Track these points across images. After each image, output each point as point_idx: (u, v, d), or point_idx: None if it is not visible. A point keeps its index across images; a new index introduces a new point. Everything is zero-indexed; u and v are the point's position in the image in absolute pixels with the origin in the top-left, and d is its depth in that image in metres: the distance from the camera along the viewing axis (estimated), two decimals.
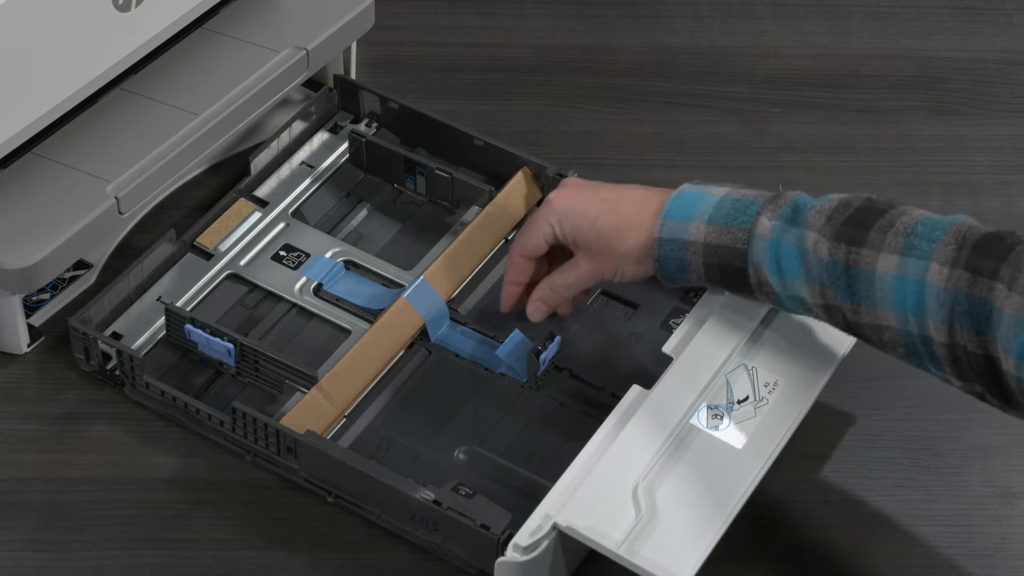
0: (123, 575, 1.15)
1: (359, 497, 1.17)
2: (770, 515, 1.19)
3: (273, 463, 1.20)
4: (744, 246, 1.14)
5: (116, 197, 1.26)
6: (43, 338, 1.29)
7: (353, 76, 1.49)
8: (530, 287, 1.25)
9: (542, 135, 1.48)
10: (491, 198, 1.35)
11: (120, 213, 1.26)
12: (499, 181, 1.37)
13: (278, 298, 1.31)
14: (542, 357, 1.23)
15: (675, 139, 1.49)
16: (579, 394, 1.25)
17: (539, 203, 1.37)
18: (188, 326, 1.24)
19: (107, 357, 1.25)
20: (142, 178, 1.27)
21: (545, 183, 1.37)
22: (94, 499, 1.19)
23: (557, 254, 1.24)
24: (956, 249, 1.06)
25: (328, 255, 1.33)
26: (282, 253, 1.34)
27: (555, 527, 1.09)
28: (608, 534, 1.08)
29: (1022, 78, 1.56)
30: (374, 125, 1.44)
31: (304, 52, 1.37)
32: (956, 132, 1.50)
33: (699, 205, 1.16)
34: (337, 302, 1.31)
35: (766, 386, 1.18)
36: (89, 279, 1.33)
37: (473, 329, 1.28)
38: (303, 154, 1.41)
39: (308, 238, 1.35)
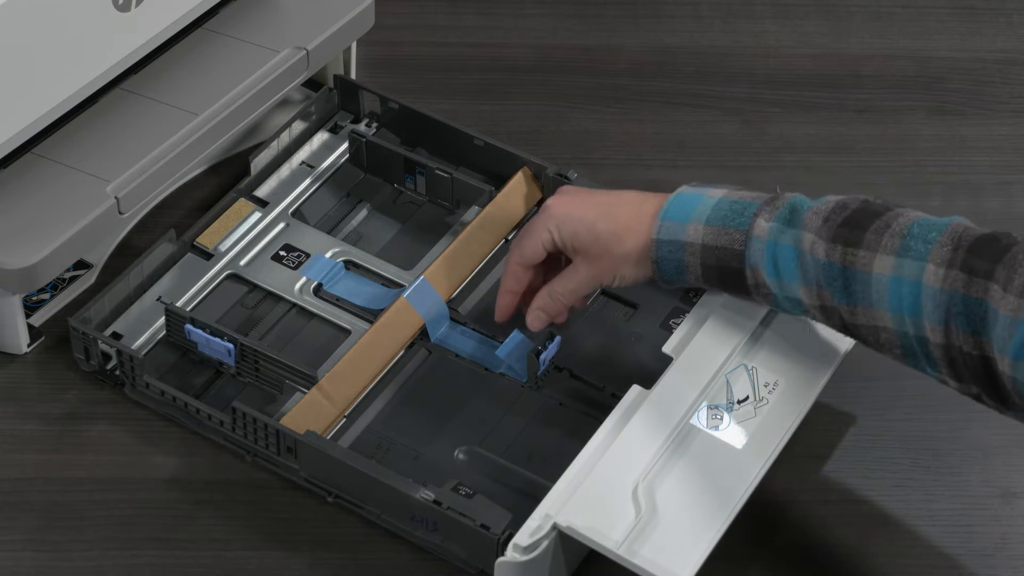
0: (123, 575, 1.15)
1: (359, 497, 1.17)
2: (770, 515, 1.19)
3: (273, 463, 1.20)
4: (741, 247, 1.14)
5: (116, 197, 1.26)
6: (43, 338, 1.29)
7: (353, 76, 1.49)
8: (525, 296, 1.25)
9: (542, 135, 1.48)
10: (491, 198, 1.35)
11: (120, 213, 1.26)
12: (499, 181, 1.37)
13: (278, 298, 1.31)
14: (542, 357, 1.23)
15: (675, 139, 1.49)
16: (579, 394, 1.25)
17: (539, 203, 1.37)
18: (188, 326, 1.24)
19: (107, 357, 1.25)
20: (142, 178, 1.27)
21: (545, 183, 1.37)
22: (94, 499, 1.19)
23: (551, 264, 1.24)
24: (952, 250, 1.06)
25: (328, 255, 1.33)
26: (282, 253, 1.34)
27: (555, 527, 1.09)
28: (608, 534, 1.08)
29: (1022, 78, 1.56)
30: (374, 125, 1.44)
31: (304, 52, 1.37)
32: (956, 132, 1.51)
33: (697, 207, 1.16)
34: (337, 302, 1.31)
35: (766, 386, 1.18)
36: (89, 279, 1.33)
37: (473, 329, 1.29)
38: (303, 154, 1.41)
39: (308, 238, 1.35)
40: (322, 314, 1.30)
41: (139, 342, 1.27)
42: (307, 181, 1.40)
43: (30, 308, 1.30)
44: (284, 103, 1.46)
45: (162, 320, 1.27)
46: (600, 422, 1.16)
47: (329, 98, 1.44)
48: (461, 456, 1.21)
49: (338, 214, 1.38)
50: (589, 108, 1.51)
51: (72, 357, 1.27)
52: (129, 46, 1.29)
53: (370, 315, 1.29)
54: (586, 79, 1.54)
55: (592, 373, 1.26)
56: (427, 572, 1.16)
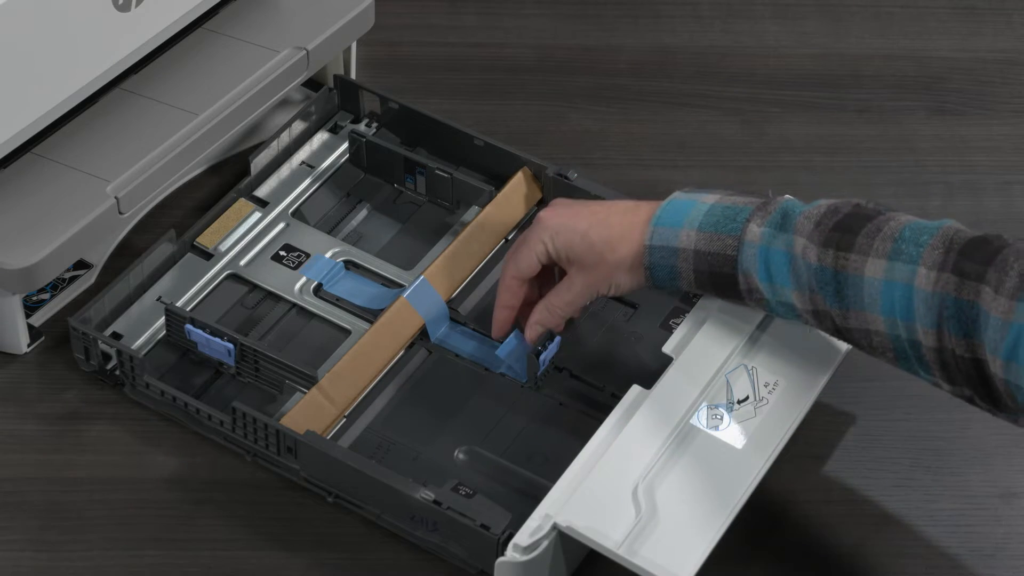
0: (123, 575, 1.15)
1: (359, 497, 1.17)
2: (770, 515, 1.19)
3: (273, 463, 1.20)
4: (734, 253, 1.14)
5: (116, 197, 1.26)
6: (43, 338, 1.29)
7: (353, 76, 1.49)
8: (521, 309, 1.25)
9: (542, 135, 1.48)
10: (491, 198, 1.35)
11: (120, 213, 1.26)
12: (499, 181, 1.37)
13: (278, 298, 1.31)
14: (542, 357, 1.23)
15: (675, 139, 1.49)
16: (579, 394, 1.25)
17: (539, 203, 1.37)
18: (188, 326, 1.24)
19: (107, 357, 1.25)
20: (142, 178, 1.27)
21: (545, 183, 1.37)
22: (94, 499, 1.19)
23: (545, 277, 1.24)
24: (943, 253, 1.06)
25: (328, 255, 1.33)
26: (282, 253, 1.34)
27: (555, 527, 1.09)
28: (608, 534, 1.08)
29: (1022, 78, 1.56)
30: (374, 125, 1.44)
31: (304, 52, 1.37)
32: (956, 132, 1.51)
33: (689, 213, 1.16)
34: (337, 302, 1.31)
35: (766, 386, 1.18)
36: (89, 279, 1.33)
37: (473, 329, 1.29)
38: (303, 154, 1.41)
39: (308, 238, 1.35)
40: (322, 314, 1.30)
41: (139, 342, 1.27)
42: (307, 181, 1.40)
43: (30, 308, 1.30)
44: (284, 103, 1.46)
45: (162, 320, 1.27)
46: (600, 422, 1.16)
47: (329, 98, 1.44)
48: (461, 456, 1.21)
49: (338, 214, 1.38)
50: (589, 108, 1.51)
51: (72, 357, 1.26)
52: (129, 46, 1.29)
53: (370, 315, 1.29)
54: (586, 79, 1.54)
55: (592, 373, 1.26)
56: (427, 572, 1.16)
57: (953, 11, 1.63)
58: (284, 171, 1.39)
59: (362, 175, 1.41)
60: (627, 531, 1.09)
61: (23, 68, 1.20)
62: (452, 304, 1.30)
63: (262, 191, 1.38)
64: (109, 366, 1.26)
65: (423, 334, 1.28)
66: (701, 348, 1.19)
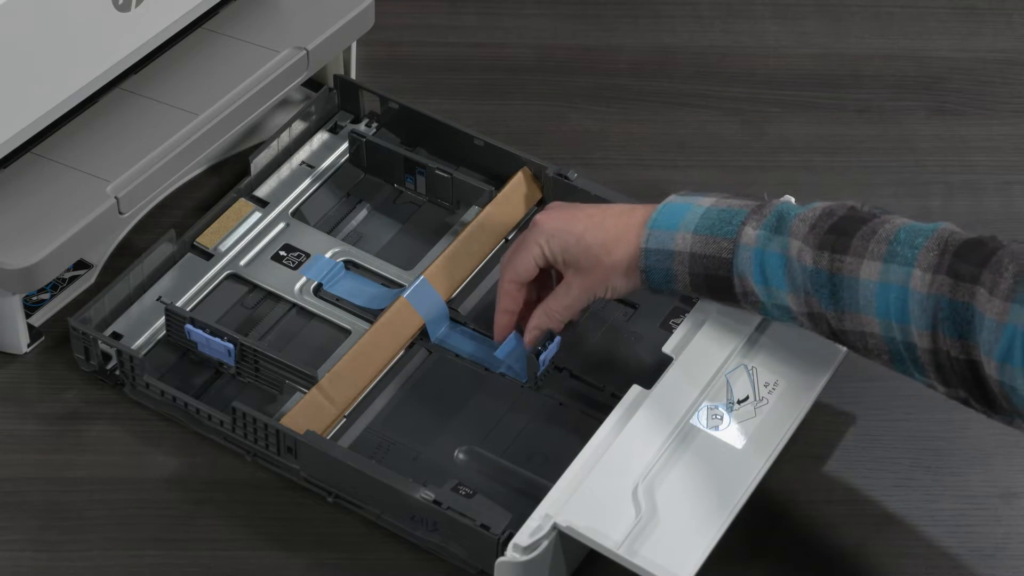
0: (123, 575, 1.15)
1: (359, 497, 1.17)
2: (770, 515, 1.19)
3: (273, 463, 1.20)
4: (729, 256, 1.14)
5: (116, 197, 1.26)
6: (43, 338, 1.29)
7: (353, 76, 1.49)
8: (521, 313, 1.25)
9: (542, 135, 1.48)
10: (491, 198, 1.35)
11: (120, 213, 1.26)
12: (499, 181, 1.37)
13: (278, 298, 1.31)
14: (542, 357, 1.23)
15: (675, 139, 1.49)
16: (579, 394, 1.25)
17: (539, 203, 1.37)
18: (188, 326, 1.24)
19: (107, 357, 1.25)
20: (142, 178, 1.27)
21: (545, 183, 1.37)
22: (94, 499, 1.19)
23: (543, 281, 1.24)
24: (938, 255, 1.07)
25: (328, 255, 1.33)
26: (282, 253, 1.34)
27: (555, 527, 1.09)
28: (608, 534, 1.08)
29: (1022, 78, 1.56)
30: (374, 125, 1.44)
31: (304, 52, 1.37)
32: (956, 132, 1.51)
33: (685, 216, 1.16)
34: (337, 302, 1.31)
35: (766, 386, 1.18)
36: (89, 279, 1.33)
37: (473, 329, 1.29)
38: (303, 154, 1.41)
39: (308, 238, 1.35)
40: (322, 314, 1.30)
41: (139, 342, 1.27)
42: (307, 181, 1.40)
43: (30, 308, 1.30)
44: (284, 103, 1.46)
45: (162, 320, 1.27)
46: (600, 422, 1.16)
47: (329, 98, 1.44)
48: (461, 456, 1.21)
49: (338, 214, 1.38)
50: (589, 108, 1.51)
51: (72, 357, 1.26)
52: (129, 46, 1.29)
53: (370, 315, 1.29)
54: (586, 79, 1.54)
55: (592, 373, 1.26)
56: (427, 572, 1.16)
57: (953, 11, 1.63)
58: (284, 171, 1.39)
59: (362, 175, 1.41)
60: (627, 531, 1.09)
61: (23, 68, 1.20)
62: (452, 304, 1.30)
63: (262, 191, 1.38)
64: (109, 366, 1.26)
65: (423, 334, 1.28)
66: (701, 348, 1.19)
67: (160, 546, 1.17)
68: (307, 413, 1.20)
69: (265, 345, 1.25)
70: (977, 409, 1.09)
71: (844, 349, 1.20)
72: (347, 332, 1.28)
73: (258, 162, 1.38)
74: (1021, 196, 1.45)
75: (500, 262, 1.24)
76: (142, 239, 1.36)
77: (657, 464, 1.13)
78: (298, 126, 1.41)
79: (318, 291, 1.31)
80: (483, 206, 1.35)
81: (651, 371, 1.20)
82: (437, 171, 1.37)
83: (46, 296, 1.31)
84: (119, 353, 1.23)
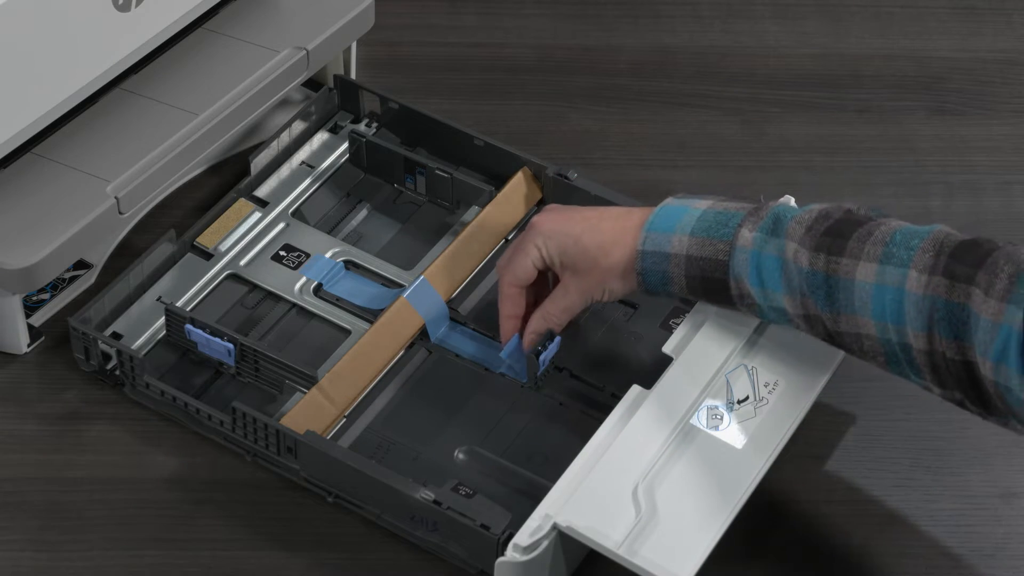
0: (123, 575, 1.15)
1: (359, 497, 1.17)
2: (770, 515, 1.19)
3: (273, 463, 1.20)
4: (726, 258, 1.14)
5: (116, 197, 1.26)
6: (43, 338, 1.29)
7: (353, 76, 1.49)
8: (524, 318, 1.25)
9: (542, 135, 1.48)
10: (491, 198, 1.35)
11: (120, 213, 1.26)
12: (499, 181, 1.37)
13: (278, 298, 1.31)
14: (542, 357, 1.23)
15: (675, 139, 1.49)
16: (579, 394, 1.25)
17: (539, 203, 1.37)
18: (188, 326, 1.24)
19: (107, 357, 1.25)
20: (142, 178, 1.27)
21: (545, 183, 1.37)
22: (94, 499, 1.19)
23: (540, 285, 1.24)
24: (934, 256, 1.07)
25: (328, 255, 1.33)
26: (282, 253, 1.34)
27: (555, 527, 1.09)
28: (608, 534, 1.08)
29: (1022, 78, 1.56)
30: (374, 125, 1.44)
31: (304, 52, 1.37)
32: (956, 132, 1.51)
33: (681, 218, 1.16)
34: (337, 302, 1.31)
35: (766, 386, 1.18)
36: (89, 279, 1.33)
37: (473, 329, 1.29)
38: (303, 154, 1.41)
39: (308, 238, 1.35)
40: (322, 314, 1.30)
41: (139, 342, 1.27)
42: (307, 181, 1.40)
43: (30, 308, 1.30)
44: (284, 103, 1.46)
45: (162, 320, 1.27)
46: (600, 422, 1.16)
47: (329, 98, 1.44)
48: (461, 456, 1.21)
49: (338, 214, 1.38)
50: (589, 108, 1.51)
51: (72, 357, 1.26)
52: (129, 46, 1.29)
53: (370, 315, 1.29)
54: (586, 79, 1.54)
55: (592, 373, 1.26)
56: (427, 572, 1.16)
57: (953, 11, 1.63)
58: (284, 171, 1.39)
59: (362, 175, 1.41)
60: (627, 531, 1.09)
61: (23, 68, 1.20)
62: (452, 304, 1.30)
63: (262, 191, 1.38)
64: (109, 366, 1.26)
65: (423, 334, 1.28)
66: (701, 348, 1.19)
67: (160, 546, 1.17)
68: (307, 413, 1.20)
69: (265, 345, 1.25)
70: (972, 411, 1.10)
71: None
72: (347, 332, 1.28)
73: (258, 162, 1.38)
74: (1021, 196, 1.45)
75: (496, 266, 1.24)
76: (142, 239, 1.36)
77: (657, 464, 1.13)
78: (298, 126, 1.41)
79: (318, 291, 1.31)
80: (483, 206, 1.35)
81: (651, 371, 1.20)
82: (437, 171, 1.37)
83: (46, 296, 1.31)
84: (119, 353, 1.23)
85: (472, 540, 1.13)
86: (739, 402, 1.17)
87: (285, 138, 1.40)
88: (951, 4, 1.63)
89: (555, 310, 1.22)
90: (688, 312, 1.22)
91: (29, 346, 1.28)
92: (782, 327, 1.20)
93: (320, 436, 1.18)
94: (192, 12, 1.34)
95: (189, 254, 1.32)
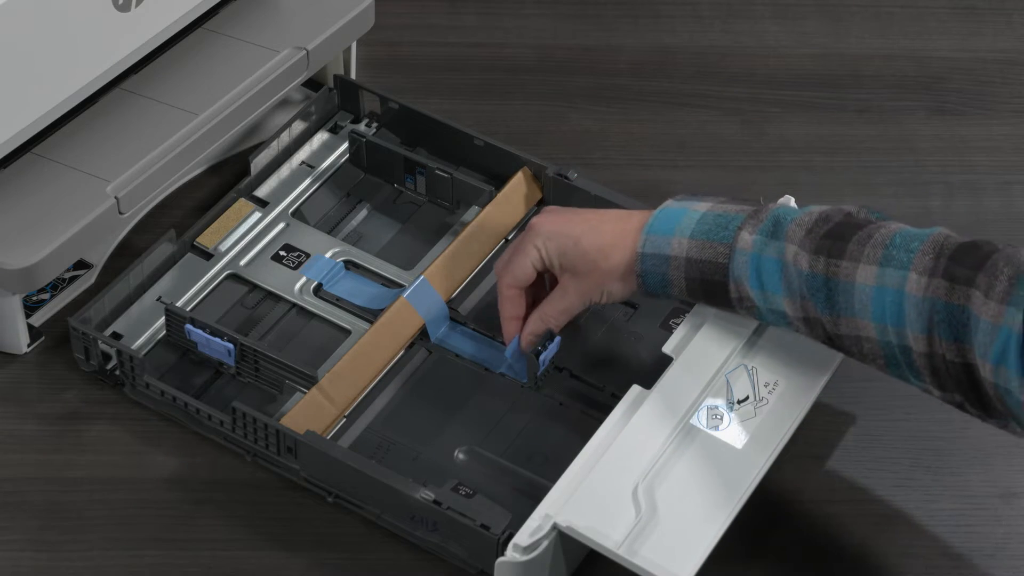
0: (123, 575, 1.15)
1: (359, 497, 1.17)
2: (770, 515, 1.19)
3: (273, 463, 1.20)
4: (725, 261, 1.14)
5: (116, 197, 1.26)
6: (43, 338, 1.29)
7: (353, 76, 1.49)
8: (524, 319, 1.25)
9: (542, 135, 1.48)
10: (491, 198, 1.35)
11: (120, 213, 1.26)
12: (499, 181, 1.37)
13: (278, 298, 1.31)
14: (542, 357, 1.23)
15: (675, 139, 1.49)
16: (579, 394, 1.25)
17: (539, 203, 1.37)
18: (188, 326, 1.24)
19: (107, 357, 1.25)
20: (142, 178, 1.27)
21: (545, 183, 1.37)
22: (94, 499, 1.19)
23: (537, 287, 1.24)
24: (934, 259, 1.07)
25: (328, 255, 1.33)
26: (282, 253, 1.34)
27: (555, 527, 1.09)
28: (608, 534, 1.08)
29: (1022, 78, 1.56)
30: (374, 125, 1.44)
31: (304, 52, 1.37)
32: (956, 132, 1.51)
33: (681, 221, 1.16)
34: (337, 302, 1.31)
35: (766, 386, 1.18)
36: (89, 279, 1.33)
37: (473, 329, 1.29)
38: (303, 154, 1.41)
39: (308, 238, 1.35)
40: (322, 314, 1.30)
41: (139, 342, 1.27)
42: (307, 181, 1.40)
43: (30, 308, 1.30)
44: (284, 103, 1.46)
45: (162, 320, 1.27)
46: (600, 422, 1.16)
47: (329, 98, 1.44)
48: (461, 456, 1.21)
49: (338, 214, 1.38)
50: (589, 108, 1.51)
51: (72, 357, 1.26)
52: (129, 46, 1.29)
53: (370, 315, 1.29)
54: (586, 79, 1.54)
55: (592, 373, 1.26)
56: (427, 572, 1.16)
57: (953, 11, 1.63)
58: (284, 171, 1.39)
59: (362, 175, 1.41)
60: (627, 531, 1.09)
61: (23, 68, 1.20)
62: (452, 304, 1.30)
63: (262, 191, 1.38)
64: (109, 366, 1.26)
65: (423, 334, 1.28)
66: (701, 348, 1.19)
67: (160, 546, 1.17)
68: (307, 413, 1.20)
69: (265, 345, 1.25)
70: (972, 413, 1.10)
71: None
72: (347, 332, 1.28)
73: (258, 162, 1.38)
74: (1021, 196, 1.45)
75: (494, 268, 1.24)
76: (142, 239, 1.36)
77: (657, 464, 1.13)
78: (298, 126, 1.41)
79: (318, 291, 1.31)
80: (483, 206, 1.35)
81: (651, 371, 1.20)
82: (437, 171, 1.37)
83: (46, 296, 1.31)
84: (119, 353, 1.23)
85: (472, 540, 1.13)
86: (739, 402, 1.17)
87: (285, 138, 1.40)
88: (951, 4, 1.63)
89: (553, 311, 1.21)
90: (688, 312, 1.22)
91: (29, 346, 1.28)
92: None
93: (320, 436, 1.18)
94: (192, 12, 1.34)
95: (189, 254, 1.32)
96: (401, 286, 1.31)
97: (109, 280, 1.28)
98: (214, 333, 1.23)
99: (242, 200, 1.36)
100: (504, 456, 1.21)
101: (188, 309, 1.29)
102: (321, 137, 1.43)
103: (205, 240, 1.33)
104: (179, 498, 1.20)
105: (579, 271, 1.19)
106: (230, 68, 1.36)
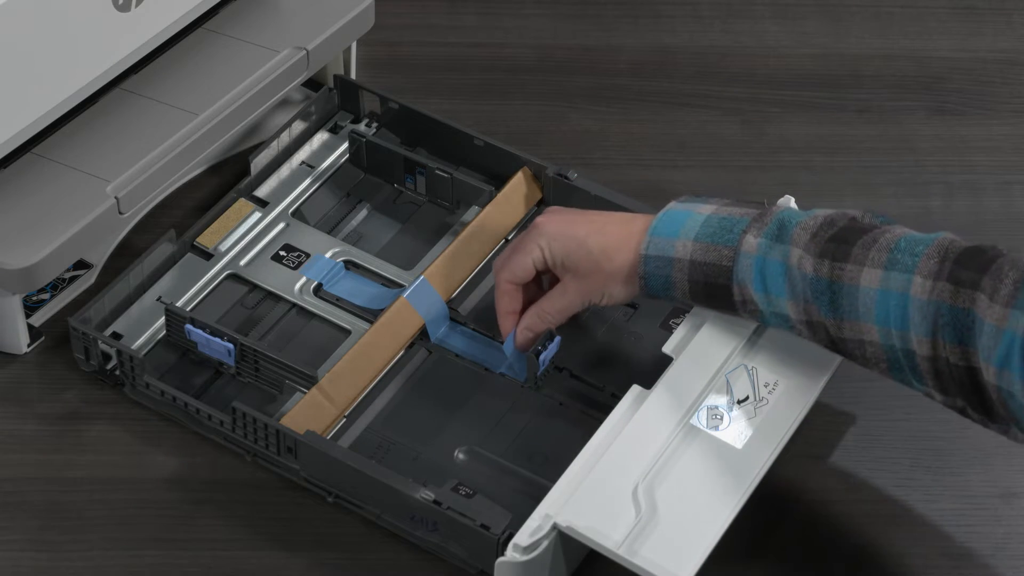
0: (123, 575, 1.15)
1: (359, 497, 1.17)
2: (770, 515, 1.19)
3: (273, 463, 1.20)
4: (730, 264, 1.14)
5: (116, 197, 1.26)
6: (43, 338, 1.29)
7: (353, 76, 1.49)
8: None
9: (542, 135, 1.48)
10: (491, 198, 1.35)
11: (120, 213, 1.26)
12: (499, 181, 1.37)
13: (278, 298, 1.31)
14: (542, 357, 1.23)
15: (675, 139, 1.49)
16: (579, 394, 1.25)
17: (539, 203, 1.37)
18: (188, 326, 1.24)
19: (107, 357, 1.25)
20: (142, 178, 1.27)
21: (545, 183, 1.37)
22: (94, 499, 1.19)
23: (535, 291, 1.24)
24: (939, 262, 1.07)
25: (328, 255, 1.33)
26: (282, 253, 1.34)
27: (555, 527, 1.09)
28: (608, 534, 1.08)
29: (1022, 78, 1.56)
30: (374, 125, 1.44)
31: (304, 52, 1.37)
32: (956, 132, 1.50)
33: (685, 223, 1.16)
34: (337, 302, 1.31)
35: (766, 386, 1.18)
36: (89, 279, 1.33)
37: (473, 329, 1.29)
38: (303, 154, 1.41)
39: (308, 238, 1.35)
40: (322, 314, 1.30)
41: (139, 342, 1.27)
42: (307, 181, 1.40)
43: (30, 308, 1.30)
44: (284, 103, 1.46)
45: (162, 320, 1.27)
46: (600, 422, 1.16)
47: (329, 98, 1.44)
48: (461, 456, 1.21)
49: (338, 214, 1.38)
50: (589, 108, 1.51)
51: (72, 357, 1.26)
52: (129, 46, 1.29)
53: (370, 315, 1.29)
54: (586, 79, 1.54)
55: (592, 373, 1.26)
56: (427, 572, 1.16)
57: (953, 11, 1.63)
58: (284, 171, 1.39)
59: (362, 175, 1.41)
60: (627, 531, 1.09)
61: (23, 68, 1.20)
62: (452, 304, 1.30)
63: (262, 191, 1.38)
64: (109, 366, 1.26)
65: (423, 334, 1.28)
66: (701, 348, 1.19)
67: (160, 546, 1.17)
68: (307, 413, 1.20)
69: (265, 345, 1.25)
70: (974, 418, 1.10)
71: None
72: (347, 332, 1.28)
73: (258, 162, 1.38)
74: (1021, 196, 1.45)
75: (493, 266, 1.24)
76: (142, 239, 1.36)
77: (657, 464, 1.13)
78: (298, 126, 1.41)
79: (318, 291, 1.31)
80: (483, 206, 1.35)
81: (651, 371, 1.20)
82: (437, 171, 1.37)
83: (46, 296, 1.31)
84: (119, 353, 1.23)
85: (472, 540, 1.13)
86: (739, 402, 1.17)
87: (285, 138, 1.40)
88: (951, 4, 1.63)
89: (551, 310, 1.21)
90: (688, 312, 1.22)
91: (29, 346, 1.28)
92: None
93: (320, 436, 1.18)
94: (192, 12, 1.34)
95: (189, 254, 1.32)
96: (401, 286, 1.31)
97: (109, 280, 1.28)
98: (214, 333, 1.23)
99: (242, 200, 1.36)
100: (504, 456, 1.21)
101: (188, 309, 1.29)
102: (321, 137, 1.43)
103: (205, 240, 1.33)
104: (179, 498, 1.20)
105: (581, 272, 1.19)
106: (230, 68, 1.36)
